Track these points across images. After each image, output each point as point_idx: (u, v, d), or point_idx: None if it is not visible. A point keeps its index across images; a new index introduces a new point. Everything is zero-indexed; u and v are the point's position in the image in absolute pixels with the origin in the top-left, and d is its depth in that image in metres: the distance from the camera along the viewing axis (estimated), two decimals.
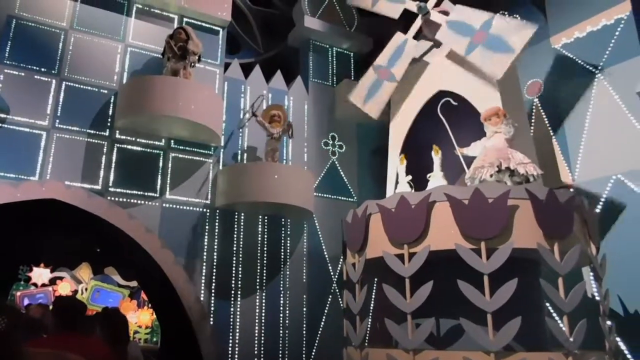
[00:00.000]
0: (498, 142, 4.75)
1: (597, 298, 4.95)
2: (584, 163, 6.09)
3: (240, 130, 6.97)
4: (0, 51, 5.79)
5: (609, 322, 4.75)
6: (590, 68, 6.18)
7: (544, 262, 4.30)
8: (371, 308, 6.43)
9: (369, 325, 6.18)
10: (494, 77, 5.28)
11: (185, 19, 7.04)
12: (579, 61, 6.30)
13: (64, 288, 11.92)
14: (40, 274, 11.68)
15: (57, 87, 6.03)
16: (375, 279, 5.88)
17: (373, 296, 6.35)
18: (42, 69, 6.00)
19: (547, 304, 5.15)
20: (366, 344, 5.70)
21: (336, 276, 6.98)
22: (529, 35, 5.18)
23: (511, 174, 4.64)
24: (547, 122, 6.56)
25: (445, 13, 5.86)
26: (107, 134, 6.16)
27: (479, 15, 5.56)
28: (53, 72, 6.06)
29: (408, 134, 6.11)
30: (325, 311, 6.84)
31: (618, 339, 5.31)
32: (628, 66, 5.78)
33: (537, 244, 4.18)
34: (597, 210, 5.65)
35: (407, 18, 6.45)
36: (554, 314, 5.32)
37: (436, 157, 5.19)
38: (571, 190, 6.00)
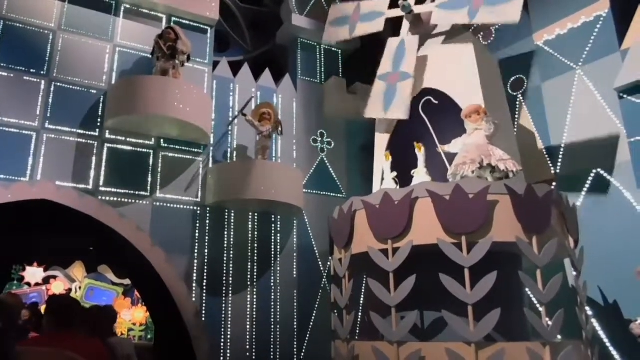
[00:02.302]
0: (479, 139, 4.87)
1: None
2: (565, 158, 6.24)
3: (230, 128, 7.05)
4: None
5: (588, 312, 4.91)
6: (571, 64, 6.32)
7: (524, 255, 4.44)
8: (361, 302, 6.57)
9: (359, 319, 6.35)
10: (513, 22, 5.41)
11: (173, 19, 7.09)
12: (560, 57, 6.44)
13: (58, 287, 11.95)
14: (33, 273, 11.71)
15: (47, 87, 6.08)
16: (362, 274, 6.01)
17: (362, 290, 6.48)
18: (31, 70, 6.04)
19: (532, 296, 5.31)
20: (356, 337, 5.84)
21: (326, 271, 7.10)
22: None
23: (492, 170, 4.77)
24: (530, 117, 6.70)
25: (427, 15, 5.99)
26: (97, 133, 6.22)
27: None
28: (42, 72, 6.10)
29: (394, 131, 6.22)
30: (316, 306, 6.96)
31: (598, 328, 5.49)
32: (607, 62, 5.92)
33: (516, 237, 4.31)
34: (578, 204, 5.80)
35: (391, 22, 6.60)
36: (538, 305, 5.48)
37: (420, 153, 5.31)
38: (553, 184, 6.16)
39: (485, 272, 4.22)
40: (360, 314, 6.38)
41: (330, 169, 7.65)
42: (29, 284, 11.77)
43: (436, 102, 5.58)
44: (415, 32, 6.30)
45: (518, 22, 5.43)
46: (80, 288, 12.36)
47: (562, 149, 6.28)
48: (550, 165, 6.36)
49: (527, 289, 4.84)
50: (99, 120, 6.26)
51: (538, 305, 5.44)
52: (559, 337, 4.68)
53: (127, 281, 12.13)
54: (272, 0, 8.97)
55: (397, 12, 6.32)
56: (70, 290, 12.21)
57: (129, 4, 6.84)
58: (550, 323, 4.23)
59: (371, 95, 6.35)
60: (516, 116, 6.79)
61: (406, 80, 5.98)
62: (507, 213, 4.39)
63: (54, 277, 12.18)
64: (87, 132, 6.16)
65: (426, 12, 6.13)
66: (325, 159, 7.67)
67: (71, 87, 6.23)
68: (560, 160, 6.28)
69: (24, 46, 6.07)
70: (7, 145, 5.70)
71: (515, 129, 6.63)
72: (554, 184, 6.18)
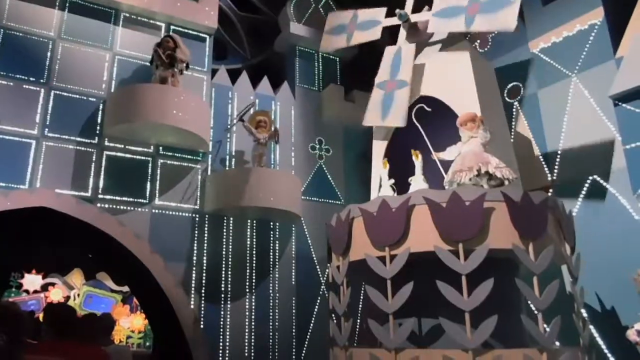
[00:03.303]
0: (475, 147, 4.90)
1: None
2: (562, 165, 6.28)
3: (228, 136, 7.09)
4: None
5: (585, 318, 4.92)
6: (567, 71, 6.38)
7: (521, 262, 4.45)
8: (359, 309, 6.58)
9: (357, 326, 6.35)
10: (509, 30, 5.45)
11: (172, 27, 7.15)
12: (556, 65, 6.50)
13: (56, 294, 11.92)
14: (32, 281, 11.68)
15: (46, 96, 6.12)
16: (359, 281, 6.02)
17: (360, 297, 6.49)
18: (31, 78, 6.08)
19: (530, 303, 5.32)
20: (354, 345, 5.84)
21: (324, 278, 7.11)
22: None
23: (489, 177, 4.79)
24: (526, 124, 6.75)
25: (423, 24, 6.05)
26: (96, 141, 6.25)
27: None
28: (42, 81, 6.14)
29: (392, 138, 6.26)
30: (314, 313, 6.97)
31: (595, 334, 5.50)
32: (602, 70, 5.98)
33: (513, 244, 4.33)
34: (575, 211, 5.83)
35: (389, 30, 6.65)
36: (535, 312, 5.49)
37: (417, 161, 5.34)
38: (550, 191, 6.19)
39: (482, 279, 4.24)
40: (358, 321, 6.38)
41: (329, 176, 7.69)
42: (27, 291, 11.74)
43: (429, 109, 5.62)
44: (412, 40, 6.35)
45: (514, 30, 5.48)
46: (78, 295, 12.33)
47: (558, 156, 6.32)
48: (547, 172, 6.39)
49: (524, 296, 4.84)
50: (98, 128, 6.29)
51: (535, 312, 5.48)
52: (557, 343, 4.69)
53: (125, 288, 12.11)
54: (270, 9, 9.04)
55: (394, 21, 6.38)
56: (68, 297, 12.18)
57: (128, 13, 6.90)
58: (547, 329, 4.24)
59: (369, 103, 6.39)
60: (512, 123, 6.83)
61: (403, 88, 6.02)
62: (504, 220, 4.41)
63: (53, 285, 12.15)
64: (86, 140, 6.20)
65: (423, 21, 6.19)
66: (323, 166, 7.71)
67: (70, 95, 6.27)
68: (556, 167, 6.32)
69: (24, 55, 6.12)
70: (7, 153, 5.73)
71: (512, 136, 6.68)
72: (551, 190, 6.22)
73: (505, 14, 5.40)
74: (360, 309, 6.62)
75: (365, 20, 6.62)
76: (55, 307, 4.11)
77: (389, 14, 6.53)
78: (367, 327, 4.68)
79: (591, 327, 5.34)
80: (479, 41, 7.45)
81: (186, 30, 7.21)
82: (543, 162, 6.45)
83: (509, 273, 4.83)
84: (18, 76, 6.01)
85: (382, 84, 6.28)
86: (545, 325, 4.28)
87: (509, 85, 6.95)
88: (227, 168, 6.96)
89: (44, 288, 11.99)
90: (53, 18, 6.42)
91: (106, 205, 6.08)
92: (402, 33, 6.41)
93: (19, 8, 6.22)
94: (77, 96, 6.31)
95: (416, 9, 6.36)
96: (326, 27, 7.15)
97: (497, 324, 4.12)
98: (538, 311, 4.29)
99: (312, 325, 6.88)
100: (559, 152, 6.32)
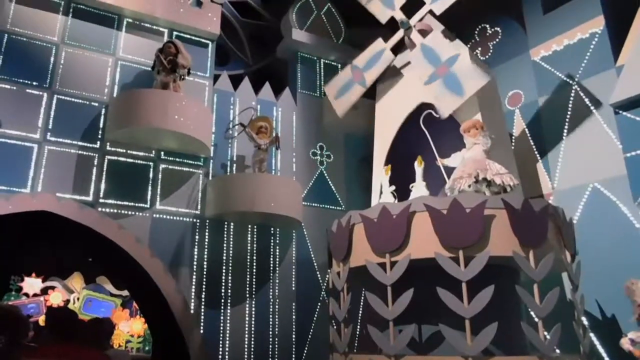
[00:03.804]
0: (476, 154, 4.92)
1: None
2: (562, 172, 6.29)
3: (229, 141, 7.11)
4: None
5: (585, 325, 4.91)
6: (568, 80, 6.40)
7: (521, 269, 4.46)
8: (359, 315, 6.57)
9: (357, 332, 6.34)
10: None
11: (175, 33, 7.19)
12: (557, 73, 6.53)
13: (56, 298, 11.92)
14: (32, 284, 11.68)
15: (49, 100, 6.14)
16: (360, 287, 6.02)
17: (360, 303, 6.48)
18: (34, 83, 6.11)
19: (530, 310, 5.32)
20: (354, 351, 5.84)
21: (325, 284, 7.11)
22: (481, 84, 5.41)
23: (488, 184, 4.81)
24: (527, 132, 6.77)
25: (425, 32, 6.06)
26: (97, 146, 6.27)
27: (448, 47, 5.78)
28: (44, 85, 6.17)
29: (392, 144, 6.28)
30: (314, 319, 6.96)
31: (595, 342, 5.49)
32: (602, 78, 6.00)
33: (513, 251, 4.34)
34: (575, 218, 5.84)
35: (393, 28, 6.66)
36: (535, 319, 5.48)
37: (419, 167, 5.35)
38: (550, 198, 6.20)
39: (483, 286, 4.24)
40: (358, 327, 6.37)
41: (330, 182, 7.70)
42: (27, 295, 11.74)
43: (437, 115, 5.63)
44: (403, 48, 6.39)
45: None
46: (78, 299, 12.33)
47: (559, 163, 6.33)
48: (548, 179, 6.40)
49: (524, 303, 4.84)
50: (100, 132, 6.32)
51: (535, 319, 5.48)
52: (557, 351, 4.68)
53: (125, 292, 12.10)
54: (272, 15, 9.09)
55: (397, 37, 6.37)
56: (68, 301, 12.18)
57: (131, 19, 6.94)
58: (547, 337, 4.24)
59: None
60: (513, 131, 6.85)
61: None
62: (504, 227, 4.42)
63: (52, 288, 12.15)
64: (88, 144, 6.21)
65: (424, 24, 6.20)
66: (324, 171, 7.72)
67: (73, 99, 6.29)
68: (557, 174, 6.33)
69: (27, 59, 6.15)
70: (9, 157, 5.75)
71: (513, 144, 6.70)
72: (551, 198, 6.23)
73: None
74: (360, 315, 6.62)
75: (368, 59, 6.58)
76: (57, 310, 4.13)
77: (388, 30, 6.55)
78: (367, 334, 4.68)
79: (591, 334, 5.34)
80: (480, 49, 7.49)
81: (189, 36, 7.25)
82: (544, 170, 6.46)
83: (509, 280, 4.84)
84: (21, 80, 6.04)
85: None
86: (545, 333, 4.28)
87: (510, 93, 6.98)
88: (228, 173, 6.97)
89: (44, 291, 11.99)
90: (57, 23, 6.46)
91: (107, 210, 6.08)
92: (396, 37, 6.39)
93: (23, 13, 6.26)
94: (80, 101, 6.33)
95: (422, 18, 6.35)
96: (330, 96, 7.08)
97: (497, 331, 4.12)
98: (538, 318, 4.28)
99: (312, 331, 6.86)
100: (560, 159, 6.33)
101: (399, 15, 6.30)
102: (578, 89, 6.28)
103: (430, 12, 6.21)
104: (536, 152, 6.61)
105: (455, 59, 5.57)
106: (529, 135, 6.74)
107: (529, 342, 4.66)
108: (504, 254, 4.36)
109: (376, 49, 6.44)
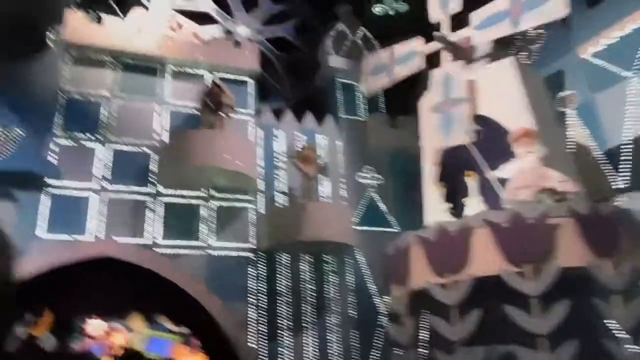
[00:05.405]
0: (532, 163, 4.71)
1: None
2: (630, 170, 5.90)
3: (277, 173, 7.20)
4: (53, 124, 6.29)
5: None
6: (622, 72, 6.08)
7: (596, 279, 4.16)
8: (422, 339, 6.32)
9: (419, 356, 6.08)
10: (561, 16, 5.36)
11: (216, 74, 7.43)
12: (611, 67, 6.21)
13: (119, 338, 12.22)
14: (94, 326, 12.04)
15: (104, 150, 6.46)
16: (421, 309, 5.82)
17: (421, 326, 6.25)
18: (89, 135, 6.46)
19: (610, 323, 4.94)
20: None
21: (383, 309, 6.93)
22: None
23: (550, 193, 4.57)
24: (585, 132, 6.44)
25: (462, 50, 6.01)
26: (151, 189, 6.50)
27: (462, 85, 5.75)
28: (99, 137, 6.50)
29: (442, 160, 6.12)
30: (374, 344, 6.77)
31: None
32: None
33: (586, 262, 4.06)
34: None
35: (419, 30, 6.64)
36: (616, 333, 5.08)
37: (470, 181, 5.17)
38: (617, 200, 5.82)
39: (555, 300, 3.98)
40: (421, 350, 6.12)
41: (380, 204, 7.60)
42: (90, 337, 12.08)
43: (483, 130, 5.48)
44: (455, 59, 6.28)
45: (566, 15, 5.30)
46: (139, 339, 12.56)
47: (624, 161, 5.95)
48: (612, 179, 6.02)
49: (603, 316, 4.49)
50: (153, 176, 6.55)
51: (617, 333, 5.07)
52: None
53: (184, 329, 12.25)
54: (307, 45, 9.27)
55: (434, 46, 6.31)
56: (130, 341, 12.42)
57: (174, 65, 7.25)
58: (636, 350, 3.90)
59: (424, 128, 6.28)
60: (569, 132, 6.54)
61: (461, 105, 5.92)
62: (571, 236, 4.15)
63: (114, 329, 12.45)
64: (143, 189, 6.45)
65: (464, 38, 6.11)
66: (373, 194, 7.64)
67: (126, 147, 6.59)
68: (624, 172, 5.93)
69: (82, 114, 6.52)
70: (69, 206, 6.04)
71: (570, 146, 6.38)
72: (620, 199, 5.83)
73: (553, 3, 5.26)
74: (421, 337, 6.37)
75: (403, 55, 6.60)
76: None
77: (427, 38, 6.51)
78: (432, 357, 4.48)
79: None
80: (523, 53, 7.27)
81: (230, 76, 7.48)
82: (605, 170, 6.09)
83: (584, 293, 4.52)
84: (78, 134, 6.39)
85: (437, 107, 6.19)
86: (633, 346, 3.94)
87: (561, 94, 6.71)
88: (277, 205, 7.02)
89: (106, 333, 12.30)
90: (107, 78, 6.84)
91: (164, 251, 6.26)
92: (444, 54, 6.36)
93: (76, 72, 6.67)
94: (132, 148, 6.62)
95: (455, 27, 6.30)
96: (367, 68, 7.17)
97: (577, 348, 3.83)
98: (622, 332, 3.96)
99: (370, 356, 6.68)
100: (624, 157, 5.95)
101: (426, 46, 6.33)
102: (637, 80, 5.93)
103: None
104: (595, 152, 6.26)
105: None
106: (586, 135, 6.40)
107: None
108: (575, 264, 4.08)
109: (412, 47, 6.44)
